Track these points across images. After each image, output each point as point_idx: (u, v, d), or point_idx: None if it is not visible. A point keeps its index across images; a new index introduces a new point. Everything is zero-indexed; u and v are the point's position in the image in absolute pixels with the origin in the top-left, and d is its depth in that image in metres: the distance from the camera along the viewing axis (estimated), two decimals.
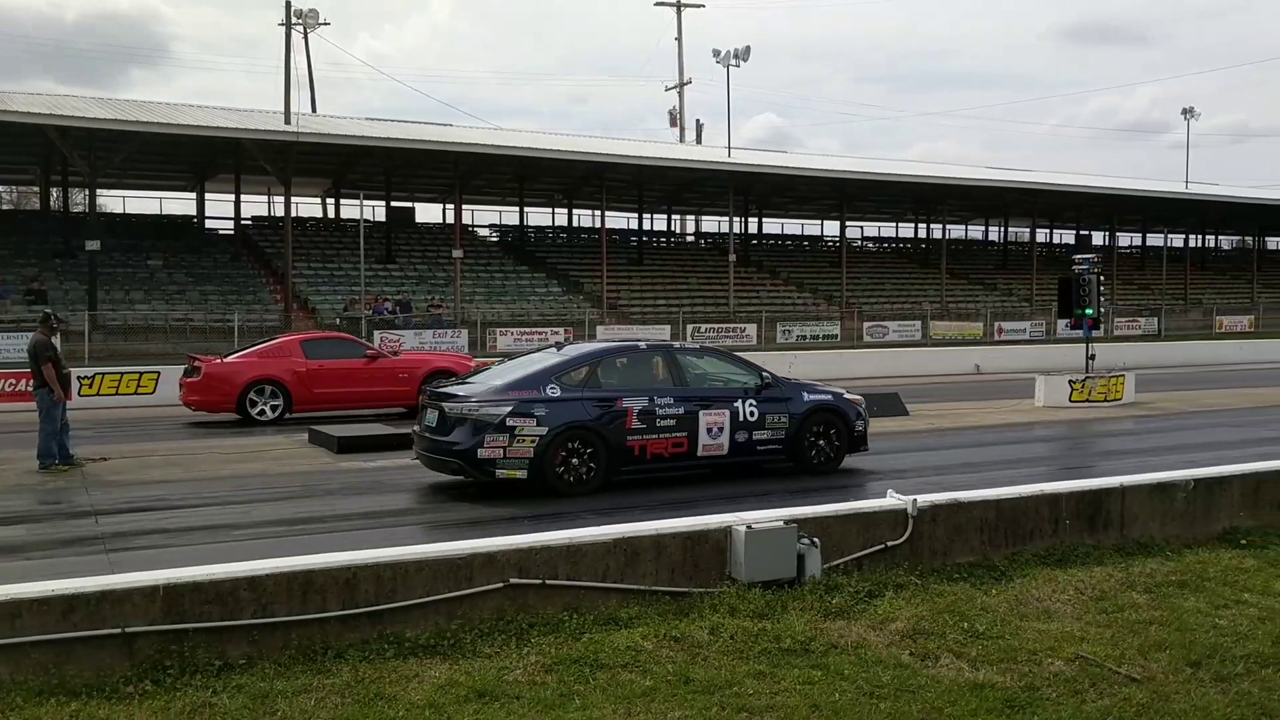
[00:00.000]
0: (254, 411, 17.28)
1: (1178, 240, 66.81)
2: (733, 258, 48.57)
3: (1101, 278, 20.77)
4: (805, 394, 11.96)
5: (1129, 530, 8.61)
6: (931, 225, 61.39)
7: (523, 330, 40.67)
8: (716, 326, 44.00)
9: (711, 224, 62.48)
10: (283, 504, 10.80)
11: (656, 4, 65.53)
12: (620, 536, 6.91)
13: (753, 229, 61.22)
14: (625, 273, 49.74)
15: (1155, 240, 66.96)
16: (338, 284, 43.07)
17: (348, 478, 12.26)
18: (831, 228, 62.39)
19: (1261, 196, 63.43)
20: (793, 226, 64.52)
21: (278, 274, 41.90)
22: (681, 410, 10.93)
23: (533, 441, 10.13)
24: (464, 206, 45.59)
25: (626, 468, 10.86)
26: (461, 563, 6.35)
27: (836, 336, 45.96)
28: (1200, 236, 70.86)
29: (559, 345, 13.91)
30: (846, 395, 12.38)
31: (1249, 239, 73.86)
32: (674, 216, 62.23)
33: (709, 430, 11.09)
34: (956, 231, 67.59)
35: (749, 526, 7.06)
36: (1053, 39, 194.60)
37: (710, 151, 53.87)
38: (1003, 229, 67.24)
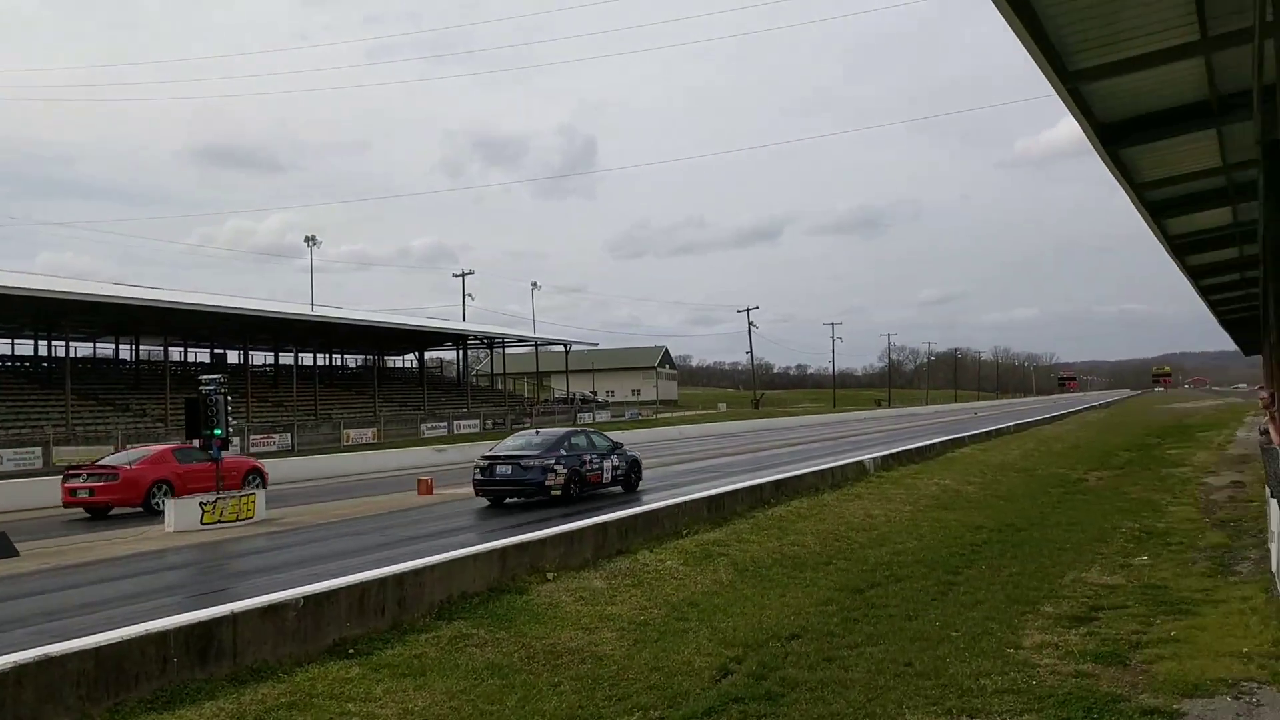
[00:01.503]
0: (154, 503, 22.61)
1: (309, 359, 70.87)
2: None
3: (229, 397, 20.76)
4: (632, 452, 24.25)
5: (243, 657, 8.35)
6: (54, 342, 56.69)
7: None
8: None
9: None
10: None
11: None
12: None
13: None
14: None
15: (288, 358, 70.19)
16: None
17: None
18: None
19: (380, 320, 70.48)
20: None
21: None
22: (601, 460, 22.50)
23: (562, 476, 21.01)
24: None
25: (586, 490, 21.67)
26: None
27: None
28: (328, 355, 76.09)
29: (538, 431, 24.44)
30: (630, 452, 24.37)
31: (371, 357, 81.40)
32: None
33: (605, 469, 22.62)
34: (85, 350, 63.44)
35: None
36: (189, 158, 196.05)
37: None
38: (134, 347, 64.84)
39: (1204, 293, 34.35)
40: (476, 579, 11.38)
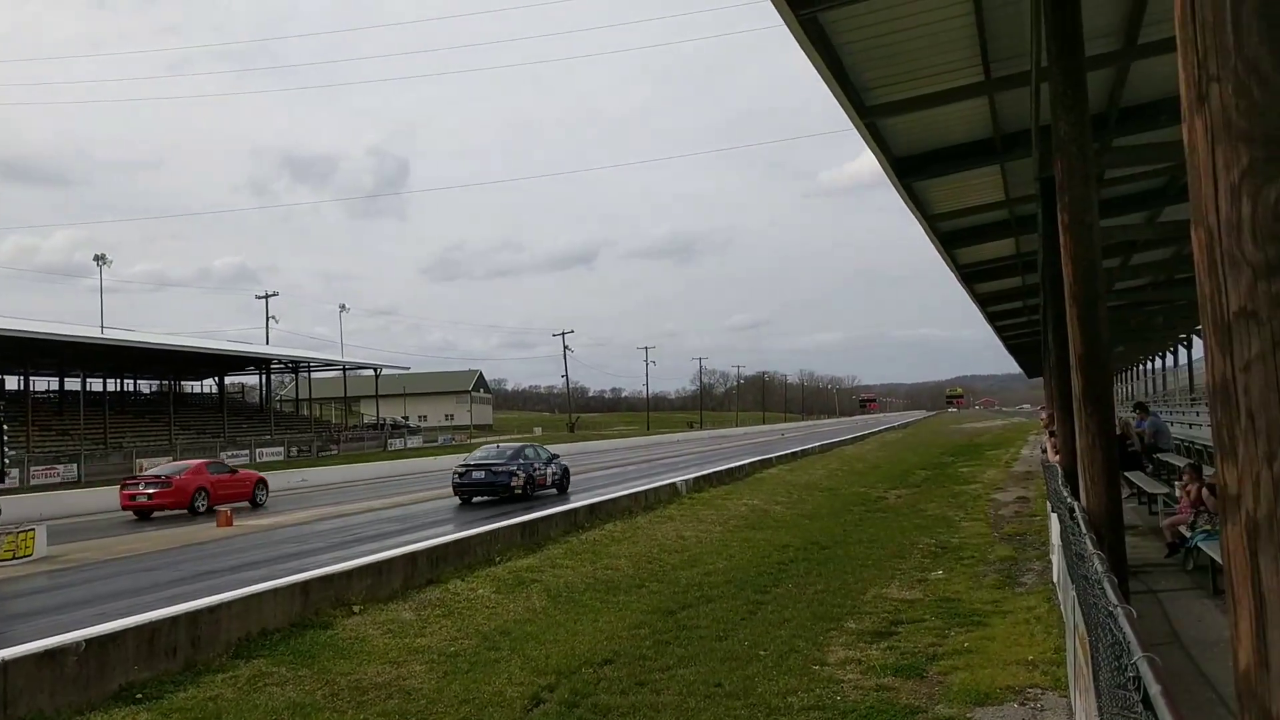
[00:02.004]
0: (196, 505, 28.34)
1: (98, 384, 66.70)
2: None
3: (4, 426, 19.29)
4: (563, 463, 30.08)
5: (15, 707, 7.69)
6: None
7: None
8: None
9: None
10: None
11: None
12: None
13: None
14: None
15: (75, 384, 65.85)
16: None
17: None
18: None
19: (177, 343, 67.02)
20: None
21: None
22: (545, 467, 28.32)
23: (522, 479, 26.75)
24: None
25: (535, 491, 27.23)
26: None
27: None
28: (120, 380, 71.84)
29: (498, 444, 33.75)
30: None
31: (168, 382, 77.26)
32: None
33: (548, 475, 28.47)
34: None
35: None
36: None
37: None
38: None
39: (991, 319, 36.43)
40: (278, 614, 10.89)
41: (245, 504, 30.01)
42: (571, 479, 30.09)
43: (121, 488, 29.45)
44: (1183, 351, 40.86)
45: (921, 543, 17.09)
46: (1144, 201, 17.30)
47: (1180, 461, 17.17)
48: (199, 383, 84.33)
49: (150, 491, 28.28)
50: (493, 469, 27.17)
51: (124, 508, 28.74)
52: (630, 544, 17.36)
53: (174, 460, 38.26)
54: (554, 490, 28.59)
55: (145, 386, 79.49)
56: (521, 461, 27.67)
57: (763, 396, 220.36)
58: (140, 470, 34.73)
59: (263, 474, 33.21)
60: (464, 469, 27.46)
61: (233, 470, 31.61)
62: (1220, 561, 9.59)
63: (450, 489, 28.18)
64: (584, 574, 14.57)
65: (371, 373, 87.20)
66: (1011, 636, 9.91)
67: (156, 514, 28.22)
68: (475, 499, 27.15)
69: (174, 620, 9.47)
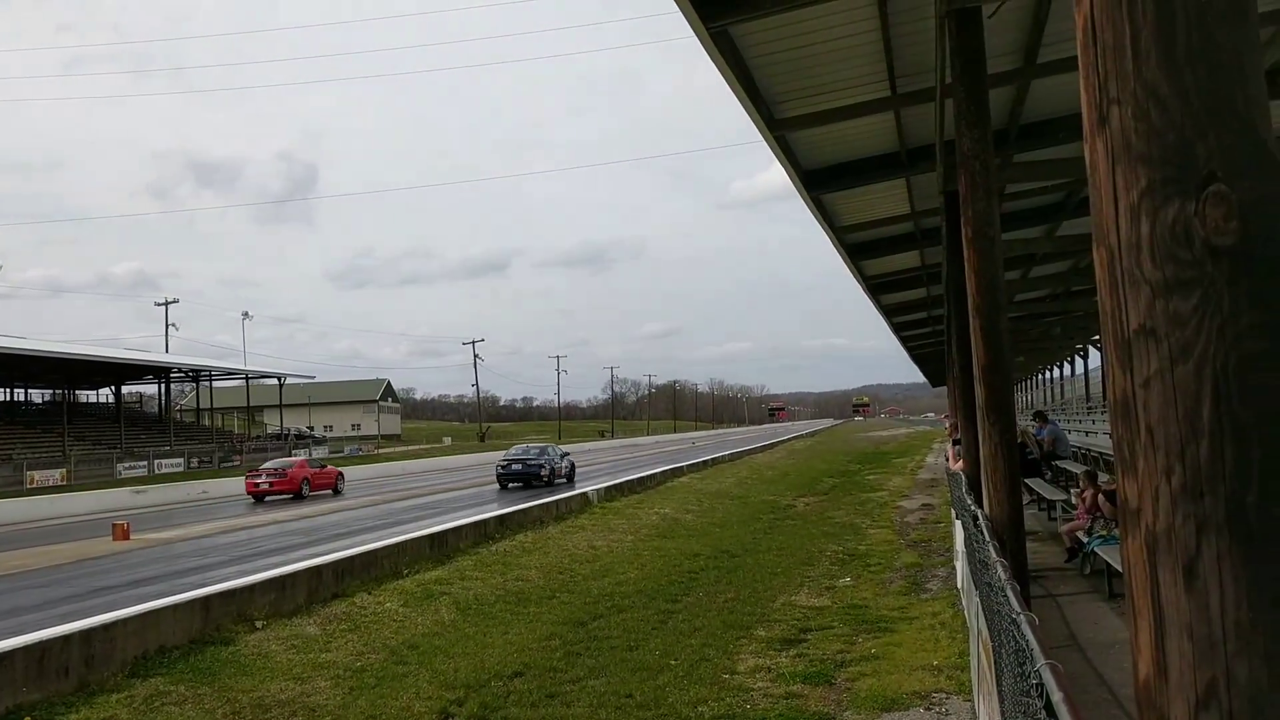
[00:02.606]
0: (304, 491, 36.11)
1: None
2: None
3: None
4: (571, 459, 39.65)
5: None
6: None
7: None
8: None
9: None
10: None
11: None
12: None
13: None
14: None
15: None
16: None
17: None
18: None
19: (72, 350, 64.70)
20: None
21: None
22: (560, 461, 37.97)
23: (548, 470, 36.27)
24: None
25: (555, 479, 36.03)
26: None
27: None
28: (9, 390, 69.17)
29: (525, 446, 42.41)
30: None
31: (61, 392, 74.55)
32: None
33: (563, 468, 37.68)
34: None
35: None
36: None
37: None
38: None
39: (897, 329, 37.16)
40: (177, 631, 10.57)
41: (329, 491, 38.04)
42: (482, 489, 31.11)
43: (246, 478, 37.31)
44: (1079, 361, 42.20)
45: (829, 550, 17.31)
46: (1044, 216, 17.82)
47: (1078, 468, 17.70)
48: (95, 392, 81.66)
49: (270, 481, 36.09)
50: (527, 463, 36.82)
51: (248, 493, 36.29)
52: (541, 554, 17.26)
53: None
54: (564, 480, 37.04)
55: (37, 396, 76.65)
56: (546, 457, 37.38)
57: (674, 405, 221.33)
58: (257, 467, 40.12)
59: (340, 469, 41.94)
60: (506, 463, 37.10)
61: (322, 465, 41.07)
62: (1116, 567, 9.88)
63: (355, 501, 27.75)
64: (494, 585, 14.44)
65: (276, 382, 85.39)
66: (917, 642, 10.08)
67: (270, 498, 35.63)
68: (511, 485, 35.96)
69: (66, 639, 9.12)
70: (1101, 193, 1.62)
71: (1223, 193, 1.50)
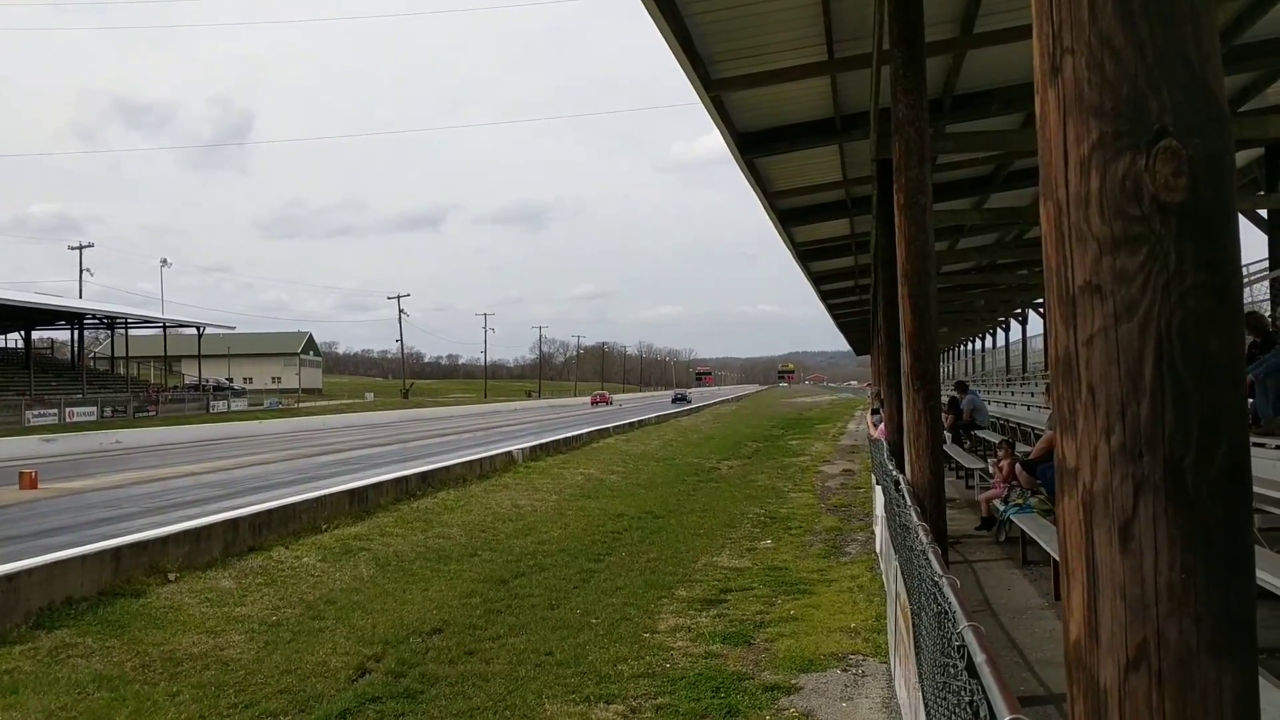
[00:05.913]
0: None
1: None
2: None
3: None
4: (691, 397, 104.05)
5: None
6: None
7: None
8: None
9: None
10: None
11: None
12: None
13: None
14: None
15: None
16: None
17: None
18: None
19: None
20: None
21: None
22: (684, 397, 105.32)
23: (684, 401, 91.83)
24: None
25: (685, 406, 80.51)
26: None
27: None
28: None
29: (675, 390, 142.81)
30: None
31: None
32: None
33: (689, 398, 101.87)
34: None
35: None
36: None
37: None
38: None
39: (824, 297, 37.40)
40: (85, 582, 10.29)
41: None
42: (405, 446, 29.75)
43: None
44: (1001, 334, 42.99)
45: (751, 513, 17.46)
46: (972, 188, 18.00)
47: (995, 438, 18.05)
48: (3, 337, 79.07)
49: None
50: (682, 396, 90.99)
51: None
52: (464, 512, 17.15)
53: None
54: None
55: None
56: (682, 394, 76.49)
57: (602, 367, 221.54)
58: None
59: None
60: (675, 395, 79.42)
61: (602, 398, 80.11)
62: (1031, 534, 10.05)
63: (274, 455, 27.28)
64: (415, 542, 14.31)
65: (194, 331, 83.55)
66: (835, 605, 10.21)
67: None
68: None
69: None
70: (1051, 145, 1.57)
71: (1174, 148, 1.47)
